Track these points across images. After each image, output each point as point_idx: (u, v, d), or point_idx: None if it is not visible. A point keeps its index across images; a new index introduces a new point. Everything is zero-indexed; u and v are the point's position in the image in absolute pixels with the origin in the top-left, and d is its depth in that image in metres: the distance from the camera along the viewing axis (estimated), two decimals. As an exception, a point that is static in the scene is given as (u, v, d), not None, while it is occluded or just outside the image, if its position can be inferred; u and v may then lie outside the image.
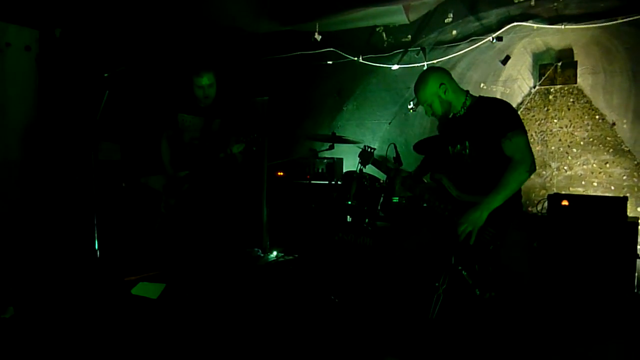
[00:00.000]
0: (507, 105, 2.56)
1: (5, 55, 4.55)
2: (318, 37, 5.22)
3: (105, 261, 3.53)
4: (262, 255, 5.09)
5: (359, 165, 3.69)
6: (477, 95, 2.69)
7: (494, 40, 4.61)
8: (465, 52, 4.86)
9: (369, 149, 3.33)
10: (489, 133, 2.49)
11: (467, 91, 2.69)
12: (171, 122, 3.79)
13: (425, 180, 3.00)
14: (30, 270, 3.93)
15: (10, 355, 2.60)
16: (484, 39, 4.72)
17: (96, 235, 3.22)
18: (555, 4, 4.41)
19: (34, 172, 4.72)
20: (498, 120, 2.48)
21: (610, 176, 4.20)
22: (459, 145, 2.65)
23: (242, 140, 3.57)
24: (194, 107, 3.77)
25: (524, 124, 2.55)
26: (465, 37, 4.91)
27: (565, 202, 3.68)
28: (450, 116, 2.73)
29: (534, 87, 4.57)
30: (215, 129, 3.81)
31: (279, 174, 5.50)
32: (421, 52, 5.17)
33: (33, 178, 4.71)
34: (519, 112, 2.59)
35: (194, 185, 3.70)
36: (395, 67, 5.31)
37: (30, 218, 4.56)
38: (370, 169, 3.67)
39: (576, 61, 4.32)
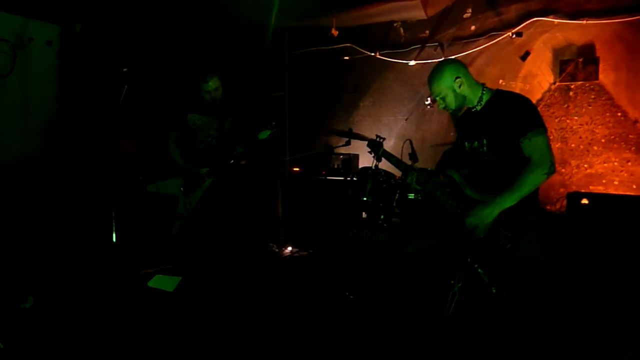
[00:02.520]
0: (527, 101, 2.48)
1: (27, 50, 4.63)
2: (335, 32, 5.20)
3: (122, 254, 3.58)
4: (277, 250, 5.11)
5: (373, 159, 3.69)
6: (495, 89, 2.63)
7: (514, 36, 4.55)
8: (484, 47, 4.80)
9: (379, 139, 3.32)
10: (508, 131, 2.43)
11: (484, 84, 2.62)
12: (179, 122, 3.80)
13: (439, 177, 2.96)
14: (50, 261, 4.01)
15: (30, 345, 2.65)
16: (503, 34, 4.66)
17: (114, 228, 3.26)
18: (577, -2, 4.33)
19: (56, 165, 4.81)
20: (517, 118, 2.41)
21: (632, 175, 4.11)
22: (476, 142, 2.61)
23: (268, 126, 3.66)
24: (204, 107, 3.80)
25: (544, 121, 2.49)
26: (484, 33, 4.85)
27: (585, 201, 3.62)
28: (465, 111, 2.68)
29: (554, 83, 4.49)
30: (228, 128, 3.86)
31: (295, 169, 5.50)
32: (439, 47, 5.12)
33: (55, 172, 4.79)
34: (538, 109, 2.52)
35: (215, 182, 3.73)
36: (412, 62, 5.27)
37: (51, 211, 4.64)
38: (386, 165, 3.66)
39: (598, 57, 4.24)
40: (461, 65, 2.62)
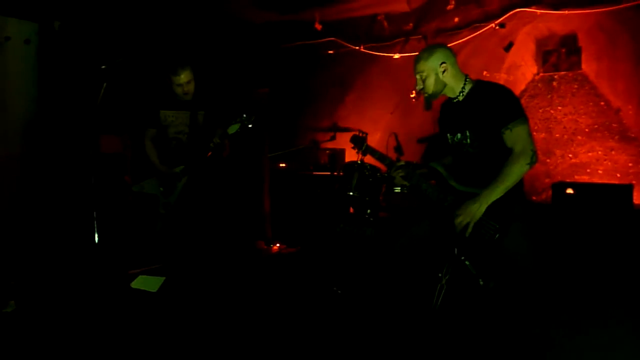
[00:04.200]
0: (507, 92, 2.49)
1: (5, 49, 4.53)
2: (319, 26, 5.16)
3: (107, 255, 3.53)
4: (265, 247, 5.08)
5: (358, 153, 3.66)
6: (476, 80, 2.62)
7: (497, 27, 4.55)
8: (468, 39, 4.80)
9: (361, 134, 3.30)
10: (489, 122, 2.44)
11: (467, 76, 2.61)
12: (153, 119, 3.70)
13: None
14: (32, 264, 3.94)
15: (12, 350, 2.60)
16: (486, 25, 4.66)
17: (96, 228, 3.21)
18: (559, -12, 4.34)
19: (35, 165, 4.72)
20: (499, 109, 2.41)
21: (616, 163, 4.14)
22: (459, 134, 2.60)
23: (236, 120, 3.52)
24: (175, 102, 3.69)
25: (528, 111, 2.49)
26: (468, 24, 4.85)
27: (570, 191, 3.64)
28: (446, 101, 2.68)
29: (538, 74, 4.51)
30: (201, 121, 3.75)
31: (281, 165, 5.47)
32: (423, 39, 5.11)
33: (34, 172, 4.71)
34: (522, 100, 2.53)
35: (191, 180, 3.67)
36: (397, 55, 5.25)
37: (31, 212, 4.56)
38: (373, 159, 3.65)
39: (580, 47, 4.26)
40: (451, 53, 2.61)
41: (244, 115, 3.54)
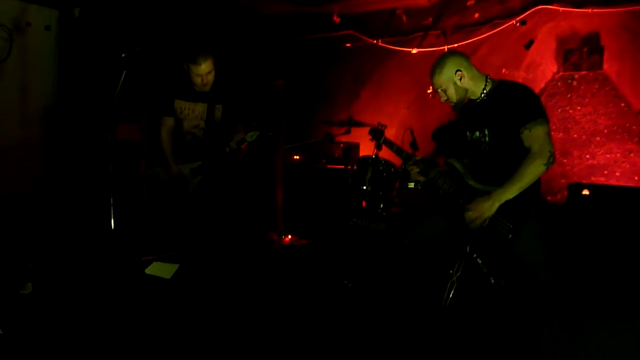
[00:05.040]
0: (529, 91, 2.47)
1: (25, 35, 4.59)
2: (337, 19, 5.14)
3: (122, 240, 3.57)
4: (277, 239, 5.10)
5: (374, 148, 3.66)
6: (498, 80, 2.61)
7: (518, 24, 4.49)
8: (488, 35, 4.75)
9: (380, 127, 3.30)
10: (509, 121, 2.42)
11: (487, 76, 2.60)
12: (168, 108, 3.56)
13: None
14: (49, 248, 4.01)
15: (28, 332, 2.66)
16: (507, 22, 4.60)
17: (112, 214, 3.25)
18: (583, -14, 4.27)
19: (55, 150, 4.79)
20: (518, 108, 2.40)
21: (634, 166, 4.08)
22: (478, 132, 2.59)
23: (255, 127, 3.44)
24: (192, 93, 3.53)
25: (546, 111, 2.47)
26: (488, 20, 4.79)
27: (586, 192, 3.60)
28: (467, 101, 2.67)
29: (558, 72, 4.45)
30: (218, 116, 3.64)
31: (295, 157, 5.48)
32: (442, 35, 5.06)
33: (54, 157, 4.78)
34: (540, 99, 2.50)
35: (206, 178, 3.64)
36: (415, 50, 5.21)
37: (50, 196, 4.64)
38: (386, 154, 3.64)
39: (603, 46, 4.19)
40: (463, 57, 2.59)
41: (266, 123, 3.48)
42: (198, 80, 3.43)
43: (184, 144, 3.65)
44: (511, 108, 2.42)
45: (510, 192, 2.36)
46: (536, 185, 2.42)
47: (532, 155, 2.34)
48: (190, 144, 3.65)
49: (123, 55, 3.36)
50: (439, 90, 2.62)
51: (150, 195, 4.05)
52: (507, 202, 2.38)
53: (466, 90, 2.57)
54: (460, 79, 2.54)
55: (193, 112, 3.59)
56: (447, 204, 2.66)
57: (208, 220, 3.76)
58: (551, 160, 2.34)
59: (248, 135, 3.49)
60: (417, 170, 2.77)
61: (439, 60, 2.61)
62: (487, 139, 2.53)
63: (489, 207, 2.39)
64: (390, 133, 5.32)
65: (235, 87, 3.74)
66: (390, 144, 3.14)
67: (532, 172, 2.34)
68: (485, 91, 2.56)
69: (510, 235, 2.41)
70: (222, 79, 3.60)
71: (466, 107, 2.71)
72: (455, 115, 2.88)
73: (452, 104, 2.63)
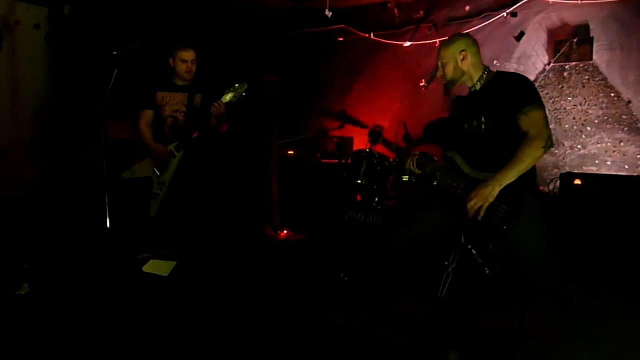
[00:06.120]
0: (524, 79, 2.50)
1: (14, 34, 4.54)
2: (329, 13, 5.13)
3: (117, 239, 3.56)
4: (272, 233, 5.11)
5: (368, 142, 3.67)
6: (496, 71, 2.64)
7: (508, 16, 4.51)
8: (479, 28, 4.76)
9: (378, 128, 3.31)
10: (505, 107, 2.44)
11: (487, 67, 2.63)
12: (149, 100, 3.64)
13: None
14: (44, 248, 3.99)
15: (24, 332, 2.65)
16: (497, 14, 4.62)
17: (107, 213, 3.24)
18: (572, -23, 4.29)
19: (48, 150, 4.76)
20: (514, 94, 2.42)
21: (624, 155, 4.13)
22: (475, 122, 2.60)
23: (230, 90, 3.49)
24: (173, 85, 3.66)
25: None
26: (479, 13, 4.81)
27: (577, 181, 3.64)
28: (466, 92, 2.69)
29: (549, 64, 4.47)
30: (198, 102, 3.69)
31: (289, 152, 5.48)
32: (433, 27, 5.07)
33: (47, 156, 4.74)
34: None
35: (187, 156, 3.60)
36: (407, 43, 5.22)
37: (44, 196, 4.61)
38: (380, 148, 3.65)
39: (592, 37, 4.22)
40: (473, 43, 2.64)
41: (236, 85, 3.51)
42: (183, 67, 3.56)
43: (165, 127, 3.68)
44: (507, 94, 2.44)
45: (510, 175, 2.37)
46: (532, 174, 2.44)
47: (530, 139, 2.35)
48: (172, 126, 3.67)
49: (114, 52, 3.35)
50: (439, 63, 2.67)
51: (128, 195, 3.97)
52: (504, 190, 2.40)
53: (463, 72, 2.60)
54: (462, 60, 2.58)
55: (173, 99, 3.67)
56: (444, 196, 2.67)
57: (192, 209, 3.71)
58: (549, 144, 2.35)
59: (223, 97, 3.49)
60: (416, 165, 2.80)
61: (452, 36, 2.69)
62: (483, 127, 2.55)
63: (489, 191, 2.40)
64: (383, 126, 5.34)
65: (216, 79, 3.78)
66: (388, 144, 3.17)
67: (530, 154, 2.35)
68: (482, 81, 2.59)
69: (506, 220, 2.42)
70: (205, 71, 3.69)
71: (464, 98, 2.73)
72: (447, 109, 2.90)
73: (445, 80, 2.67)
